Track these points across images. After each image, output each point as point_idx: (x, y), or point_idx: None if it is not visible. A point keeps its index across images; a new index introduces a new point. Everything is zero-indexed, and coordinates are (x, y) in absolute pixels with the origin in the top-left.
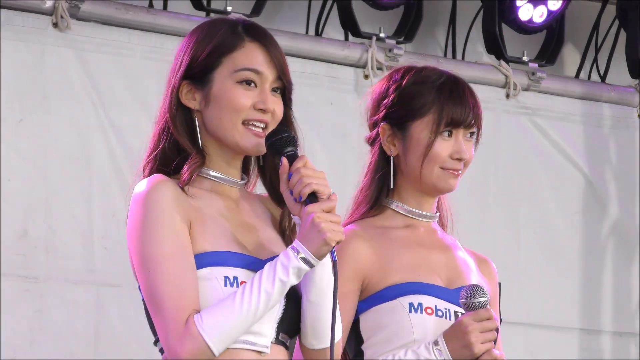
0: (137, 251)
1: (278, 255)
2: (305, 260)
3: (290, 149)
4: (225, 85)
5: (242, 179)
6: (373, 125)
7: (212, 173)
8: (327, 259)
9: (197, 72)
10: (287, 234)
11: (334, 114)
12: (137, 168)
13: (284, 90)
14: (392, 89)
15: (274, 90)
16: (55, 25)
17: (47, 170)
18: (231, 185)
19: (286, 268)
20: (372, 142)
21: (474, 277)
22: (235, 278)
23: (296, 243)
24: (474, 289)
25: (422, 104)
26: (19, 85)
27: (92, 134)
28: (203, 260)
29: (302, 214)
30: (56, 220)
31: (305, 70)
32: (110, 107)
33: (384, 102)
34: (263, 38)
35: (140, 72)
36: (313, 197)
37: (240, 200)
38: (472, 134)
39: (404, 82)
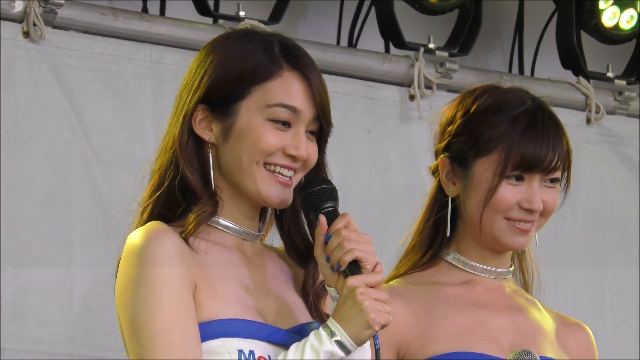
0: (128, 319)
1: (302, 326)
2: (340, 344)
3: (329, 204)
4: (253, 120)
5: (259, 230)
6: (436, 154)
7: (222, 222)
8: (367, 345)
9: (219, 98)
10: (310, 298)
11: (372, 144)
12: (132, 211)
13: (320, 132)
14: (460, 113)
15: (309, 131)
16: (26, 34)
17: (15, 214)
18: (244, 238)
19: (317, 352)
20: (433, 173)
21: (548, 346)
22: (252, 352)
23: (331, 322)
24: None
25: (489, 138)
26: None
27: (73, 168)
28: (211, 330)
29: (342, 287)
30: (27, 277)
31: (336, 90)
32: (94, 135)
33: (449, 129)
34: (305, 67)
35: (132, 93)
36: (355, 266)
37: (255, 256)
38: (554, 180)
39: (474, 107)
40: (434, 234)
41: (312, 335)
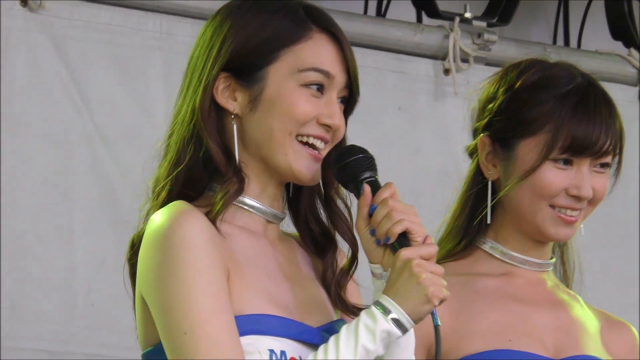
0: (163, 308)
1: (331, 324)
2: (397, 322)
3: (369, 174)
4: (285, 86)
5: (282, 212)
6: (474, 133)
7: (248, 201)
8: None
9: (245, 65)
10: (332, 289)
11: (403, 122)
12: (145, 192)
13: (348, 101)
14: (503, 89)
15: (339, 100)
16: (24, 2)
17: (11, 202)
18: (270, 219)
19: (372, 332)
20: (470, 154)
21: (592, 345)
22: (283, 352)
23: (384, 299)
24: None
25: (535, 117)
26: None
27: (74, 149)
28: (241, 325)
29: (393, 261)
30: (24, 269)
31: (363, 64)
32: (99, 113)
33: (490, 106)
34: (334, 28)
35: (140, 66)
36: (403, 239)
37: (277, 242)
38: (604, 165)
39: (519, 83)
40: (471, 220)
41: (363, 315)
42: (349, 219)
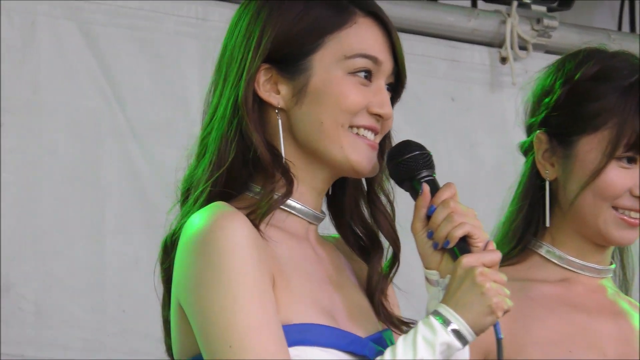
0: (205, 317)
1: (380, 334)
2: (457, 334)
3: (427, 172)
4: (331, 75)
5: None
6: (528, 129)
7: (291, 203)
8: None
9: (287, 54)
10: (376, 297)
11: (456, 114)
12: (180, 192)
13: (395, 89)
14: (560, 82)
15: (386, 86)
16: None
17: (36, 198)
18: (311, 221)
19: (432, 345)
20: (525, 152)
21: None
22: None
23: (443, 309)
24: None
25: (596, 112)
26: None
27: (104, 143)
28: (288, 335)
29: (455, 267)
30: (50, 271)
31: (414, 51)
32: (129, 104)
33: (546, 100)
34: (378, 11)
35: (173, 54)
36: (463, 243)
37: (318, 246)
38: None
39: (578, 75)
40: (527, 223)
41: (421, 325)
42: (391, 215)
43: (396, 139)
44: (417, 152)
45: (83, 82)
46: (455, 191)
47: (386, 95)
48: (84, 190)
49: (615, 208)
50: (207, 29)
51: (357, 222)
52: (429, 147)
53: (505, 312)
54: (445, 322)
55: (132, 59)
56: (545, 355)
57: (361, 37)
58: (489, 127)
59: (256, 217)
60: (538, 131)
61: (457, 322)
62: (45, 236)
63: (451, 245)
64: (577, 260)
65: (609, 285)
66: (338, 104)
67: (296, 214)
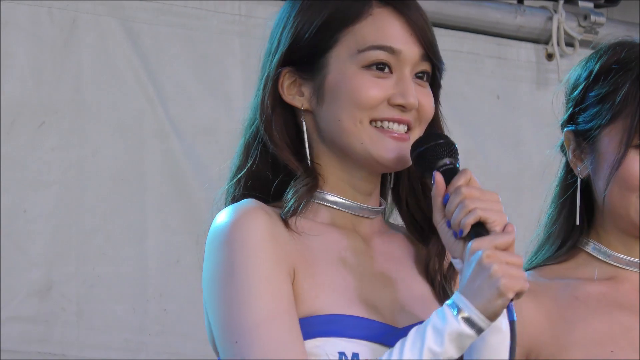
0: (217, 313)
1: (421, 322)
2: (468, 321)
3: (446, 161)
4: (345, 71)
5: (381, 204)
6: (562, 128)
7: (329, 197)
8: (503, 325)
9: (305, 55)
10: (438, 281)
11: (502, 112)
12: (217, 195)
13: (433, 74)
14: (584, 76)
15: (418, 75)
16: None
17: (79, 198)
18: (359, 214)
19: (440, 333)
20: (563, 152)
21: None
22: (356, 355)
23: (456, 297)
24: None
25: (613, 102)
26: (38, 73)
27: (147, 142)
28: (311, 327)
29: (467, 252)
30: (92, 271)
31: (457, 49)
32: (172, 103)
33: (572, 96)
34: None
35: (217, 52)
36: (480, 229)
37: (374, 237)
38: None
39: (597, 69)
40: (570, 221)
41: (434, 314)
42: None
43: None
44: (439, 141)
45: (126, 80)
46: (470, 176)
47: (409, 85)
48: (126, 190)
49: None
50: (250, 26)
51: (415, 209)
52: (474, 146)
53: (518, 294)
54: (457, 310)
55: (175, 57)
56: (586, 355)
57: (375, 28)
58: (535, 125)
59: (283, 212)
60: (566, 129)
61: (468, 310)
62: (88, 236)
63: (465, 233)
64: (624, 256)
65: None
66: (352, 99)
67: (337, 207)
